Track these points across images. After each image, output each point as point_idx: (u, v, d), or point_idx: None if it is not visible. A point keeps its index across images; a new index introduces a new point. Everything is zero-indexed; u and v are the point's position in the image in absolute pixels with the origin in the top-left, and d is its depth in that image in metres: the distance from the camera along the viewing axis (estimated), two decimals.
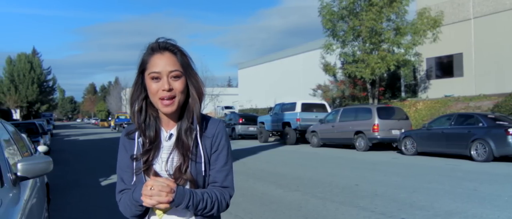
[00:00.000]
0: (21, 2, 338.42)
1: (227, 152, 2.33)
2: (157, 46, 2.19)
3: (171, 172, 2.18)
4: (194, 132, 2.22)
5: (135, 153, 2.25)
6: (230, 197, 2.31)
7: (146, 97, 2.23)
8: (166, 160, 2.21)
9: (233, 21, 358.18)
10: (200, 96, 2.24)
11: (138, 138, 2.27)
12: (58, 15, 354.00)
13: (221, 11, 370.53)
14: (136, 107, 2.25)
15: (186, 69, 2.19)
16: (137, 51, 2.27)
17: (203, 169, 2.22)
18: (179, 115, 2.25)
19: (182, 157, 2.18)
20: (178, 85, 2.14)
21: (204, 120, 2.32)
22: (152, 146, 2.23)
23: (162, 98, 2.13)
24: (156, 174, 2.19)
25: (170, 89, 2.11)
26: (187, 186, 2.18)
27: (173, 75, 2.13)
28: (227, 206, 2.30)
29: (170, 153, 2.21)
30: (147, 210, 2.25)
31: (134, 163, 2.24)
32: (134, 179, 2.24)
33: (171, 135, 2.27)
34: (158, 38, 2.24)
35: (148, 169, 2.20)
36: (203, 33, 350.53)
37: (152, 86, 2.13)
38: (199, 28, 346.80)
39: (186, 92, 2.20)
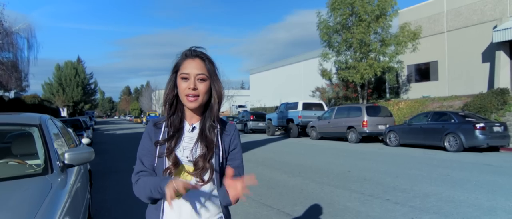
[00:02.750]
0: (68, 18, 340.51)
1: (241, 150, 2.42)
2: (190, 53, 2.25)
3: (192, 159, 2.21)
4: (216, 129, 2.28)
5: (160, 139, 2.27)
6: None
7: (177, 94, 2.28)
8: (190, 149, 2.23)
9: (246, 34, 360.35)
10: (220, 99, 2.30)
11: (164, 127, 2.30)
12: (100, 29, 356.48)
13: (236, 26, 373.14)
14: (169, 102, 2.30)
15: (211, 75, 2.25)
16: (166, 59, 2.34)
17: (221, 161, 2.27)
18: (201, 111, 2.30)
19: (206, 148, 2.22)
20: (202, 87, 2.19)
21: (221, 120, 2.36)
22: (176, 134, 2.26)
23: (187, 95, 2.18)
24: (177, 160, 2.21)
25: (194, 89, 2.16)
26: (208, 174, 2.21)
27: (199, 78, 2.19)
28: None
29: (194, 144, 2.24)
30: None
31: (158, 148, 2.26)
32: (156, 162, 2.25)
33: (194, 127, 2.30)
34: (192, 46, 2.29)
35: (170, 153, 2.21)
36: (222, 44, 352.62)
37: (182, 85, 2.20)
38: (218, 40, 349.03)
39: (209, 94, 2.26)
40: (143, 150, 2.34)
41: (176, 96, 2.29)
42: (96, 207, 8.01)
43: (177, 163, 2.21)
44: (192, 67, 2.19)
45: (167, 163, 2.22)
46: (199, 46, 2.29)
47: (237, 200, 2.09)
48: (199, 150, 2.22)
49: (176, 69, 2.26)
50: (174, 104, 2.30)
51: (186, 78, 2.18)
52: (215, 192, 2.28)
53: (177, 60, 2.27)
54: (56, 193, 3.58)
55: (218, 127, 2.30)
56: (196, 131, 2.29)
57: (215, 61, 2.30)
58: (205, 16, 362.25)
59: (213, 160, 2.22)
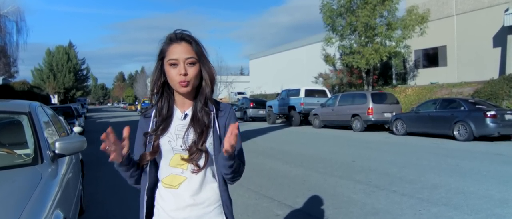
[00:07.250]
0: (59, 1, 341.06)
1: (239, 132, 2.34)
2: (175, 37, 2.21)
3: (186, 147, 2.20)
4: (212, 112, 2.27)
5: (149, 130, 2.29)
6: (243, 167, 2.33)
7: (164, 82, 2.28)
8: (182, 137, 2.22)
9: (247, 18, 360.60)
10: (212, 81, 2.27)
11: (153, 118, 2.31)
12: (93, 12, 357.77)
13: (237, 9, 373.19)
14: (155, 90, 2.29)
15: (200, 57, 2.21)
16: None
17: (217, 144, 2.24)
18: (193, 96, 2.28)
19: (197, 133, 2.20)
20: (192, 71, 2.17)
21: (217, 103, 2.33)
22: (163, 122, 2.26)
23: (179, 82, 2.15)
24: (158, 148, 2.25)
25: (185, 74, 2.14)
26: (202, 159, 2.20)
27: (188, 62, 2.16)
28: (241, 174, 2.32)
29: (186, 130, 2.22)
30: (156, 184, 2.34)
31: (148, 138, 2.28)
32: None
33: (186, 114, 2.28)
34: (176, 30, 2.26)
35: (154, 141, 2.25)
36: (221, 29, 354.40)
37: (171, 72, 2.17)
38: (217, 24, 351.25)
39: (200, 77, 2.23)
40: (136, 143, 2.37)
41: (163, 84, 2.28)
42: (88, 198, 8.01)
43: (155, 152, 2.24)
44: (180, 52, 2.16)
45: (147, 150, 2.27)
46: (184, 29, 2.26)
47: (233, 152, 2.08)
48: (191, 136, 2.21)
49: (162, 56, 2.23)
50: (160, 92, 2.30)
51: (175, 64, 2.16)
52: (212, 179, 2.27)
53: (162, 46, 2.24)
54: (46, 184, 3.56)
55: (213, 109, 2.28)
56: (189, 118, 2.27)
57: (203, 43, 2.28)
58: None
59: (208, 144, 2.21)
